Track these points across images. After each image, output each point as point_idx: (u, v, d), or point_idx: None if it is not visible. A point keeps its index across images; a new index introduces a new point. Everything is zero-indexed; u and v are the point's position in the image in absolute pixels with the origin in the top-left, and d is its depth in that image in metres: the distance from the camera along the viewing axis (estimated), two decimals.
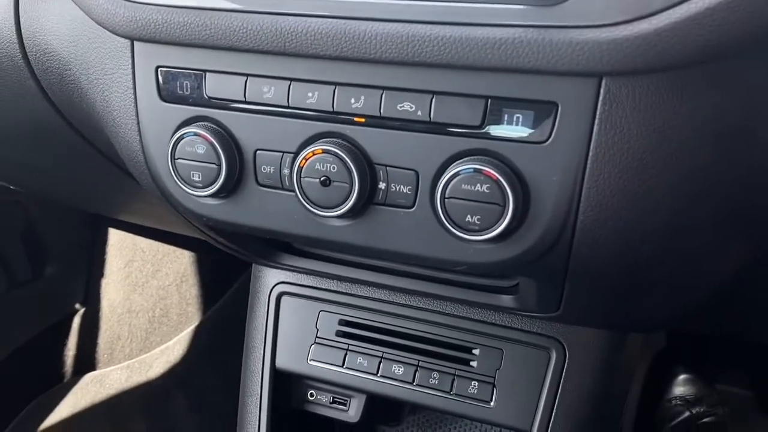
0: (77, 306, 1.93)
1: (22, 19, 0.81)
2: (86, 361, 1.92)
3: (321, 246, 0.73)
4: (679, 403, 1.49)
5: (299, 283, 0.93)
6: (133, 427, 1.78)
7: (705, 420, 1.46)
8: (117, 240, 1.97)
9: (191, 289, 1.98)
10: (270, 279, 0.95)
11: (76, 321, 1.92)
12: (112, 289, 1.96)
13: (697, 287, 0.72)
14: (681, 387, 1.51)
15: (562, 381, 0.82)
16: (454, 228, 0.59)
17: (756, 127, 0.58)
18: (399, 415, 1.03)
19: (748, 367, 1.57)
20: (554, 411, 0.82)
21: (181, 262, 1.98)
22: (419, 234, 0.62)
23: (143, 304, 1.96)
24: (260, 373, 0.93)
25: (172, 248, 1.96)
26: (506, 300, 0.78)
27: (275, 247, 0.87)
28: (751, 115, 0.57)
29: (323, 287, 0.92)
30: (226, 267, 1.88)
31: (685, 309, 0.79)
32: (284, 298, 0.93)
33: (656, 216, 0.59)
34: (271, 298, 0.94)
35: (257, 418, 0.93)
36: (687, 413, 1.48)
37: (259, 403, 0.93)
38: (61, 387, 1.86)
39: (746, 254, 0.71)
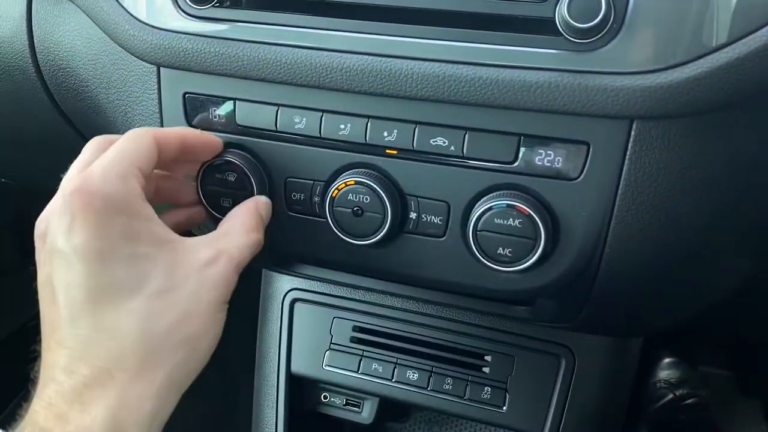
0: None
1: (35, 33, 0.80)
2: None
3: (351, 270, 0.74)
4: (663, 386, 1.55)
5: (312, 289, 0.95)
6: None
7: (688, 401, 1.53)
8: None
9: None
10: (283, 285, 0.96)
11: None
12: None
13: (705, 302, 0.76)
14: (665, 371, 1.57)
15: (571, 386, 0.86)
16: (485, 259, 0.61)
17: None
18: (408, 412, 1.06)
19: (729, 348, 1.64)
20: (564, 414, 0.86)
21: None
22: (449, 262, 0.64)
23: None
24: (276, 378, 0.95)
25: None
26: (521, 311, 0.81)
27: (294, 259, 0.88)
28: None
29: (336, 294, 0.93)
30: None
31: (688, 318, 0.83)
32: (297, 305, 0.95)
33: (679, 245, 0.61)
34: (284, 304, 0.95)
35: (274, 421, 0.95)
36: (671, 395, 1.54)
37: (275, 407, 0.95)
38: None
39: (753, 269, 0.74)
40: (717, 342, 1.60)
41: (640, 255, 0.60)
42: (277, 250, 0.70)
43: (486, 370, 0.88)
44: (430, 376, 0.89)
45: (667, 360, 1.58)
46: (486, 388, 0.87)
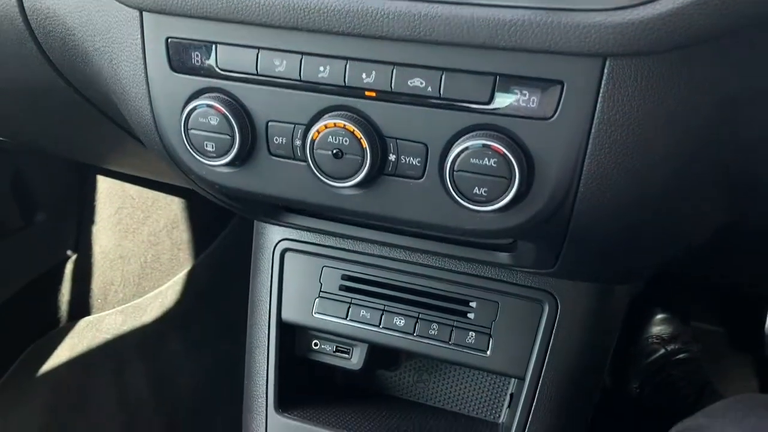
0: (69, 253, 1.95)
1: None
2: (80, 307, 1.95)
3: (332, 213, 0.76)
4: (655, 341, 1.57)
5: (302, 240, 0.96)
6: (130, 369, 1.84)
7: (679, 356, 1.55)
8: (106, 187, 1.97)
9: (182, 235, 2.00)
10: (273, 236, 0.98)
11: (69, 267, 1.95)
12: (103, 236, 1.98)
13: (682, 243, 0.77)
14: (657, 326, 1.59)
15: (554, 331, 0.87)
16: (461, 199, 0.62)
17: (747, 98, 0.62)
18: (398, 361, 1.08)
19: (720, 303, 1.66)
20: (546, 359, 0.88)
21: (171, 208, 2.00)
22: (427, 203, 0.66)
23: (135, 250, 1.99)
24: (267, 325, 0.97)
25: (161, 194, 1.97)
26: (503, 257, 0.82)
27: (280, 206, 0.90)
28: (743, 87, 0.60)
29: (326, 244, 0.95)
30: (217, 211, 1.91)
31: (668, 261, 0.84)
32: (288, 254, 0.97)
33: (652, 185, 0.62)
34: (275, 254, 0.97)
35: (265, 367, 0.98)
36: (662, 350, 1.56)
37: (266, 353, 0.98)
38: (57, 332, 1.90)
39: (728, 213, 0.75)
40: (708, 297, 1.61)
41: (613, 194, 0.61)
42: (260, 194, 0.72)
43: (470, 315, 0.89)
44: (416, 322, 0.91)
45: (659, 316, 1.61)
46: (470, 333, 0.89)
